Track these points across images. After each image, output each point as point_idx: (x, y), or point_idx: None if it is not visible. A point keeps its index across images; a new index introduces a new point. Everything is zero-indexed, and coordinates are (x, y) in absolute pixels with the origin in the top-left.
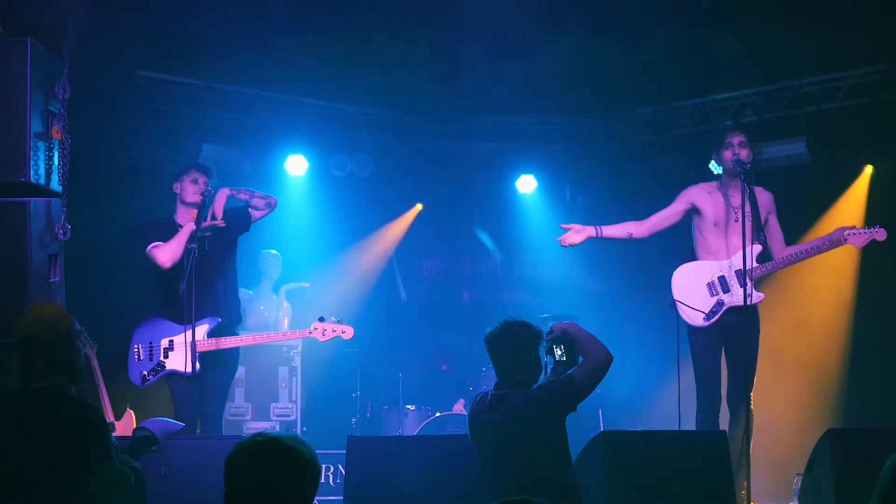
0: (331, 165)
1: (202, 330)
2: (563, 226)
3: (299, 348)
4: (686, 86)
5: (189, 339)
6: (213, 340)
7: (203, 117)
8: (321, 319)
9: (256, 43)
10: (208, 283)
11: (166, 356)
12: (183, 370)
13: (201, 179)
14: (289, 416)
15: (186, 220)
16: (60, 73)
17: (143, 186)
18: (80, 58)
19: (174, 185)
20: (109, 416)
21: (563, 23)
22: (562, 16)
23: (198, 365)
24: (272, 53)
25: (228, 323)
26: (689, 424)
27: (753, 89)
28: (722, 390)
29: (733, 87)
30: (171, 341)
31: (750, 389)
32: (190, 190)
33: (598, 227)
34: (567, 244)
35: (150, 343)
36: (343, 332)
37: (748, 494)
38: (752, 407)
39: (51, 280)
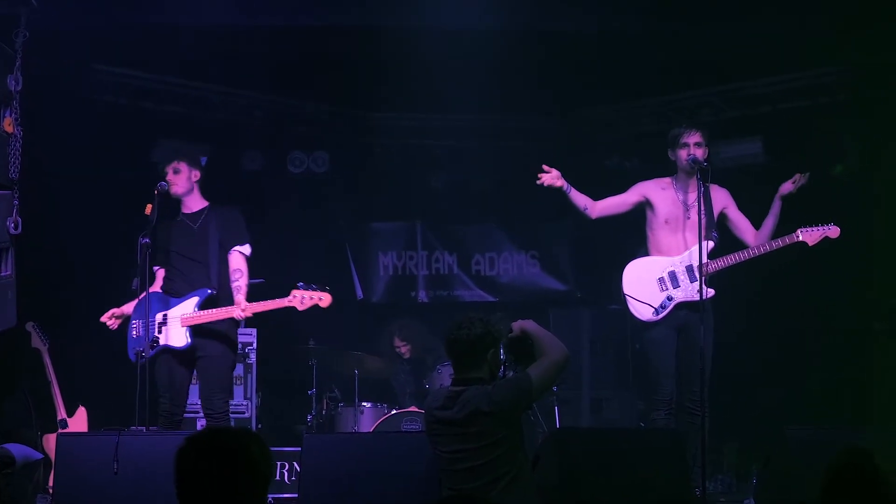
0: (287, 162)
1: (193, 302)
2: (546, 167)
3: (254, 345)
4: (643, 85)
5: (182, 316)
6: (202, 313)
7: (158, 111)
8: (299, 286)
9: (213, 36)
10: (201, 253)
11: (160, 331)
12: (174, 345)
13: (181, 165)
14: (244, 413)
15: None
16: (13, 65)
17: (97, 180)
18: (34, 50)
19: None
20: (61, 413)
21: (519, 20)
22: (517, 12)
23: (188, 339)
24: (227, 47)
25: (223, 295)
26: (646, 422)
27: (710, 89)
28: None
29: (690, 87)
30: (164, 315)
31: (705, 387)
32: (175, 181)
33: (569, 186)
34: (544, 183)
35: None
36: (320, 300)
37: (703, 493)
38: (707, 405)
39: (1, 274)
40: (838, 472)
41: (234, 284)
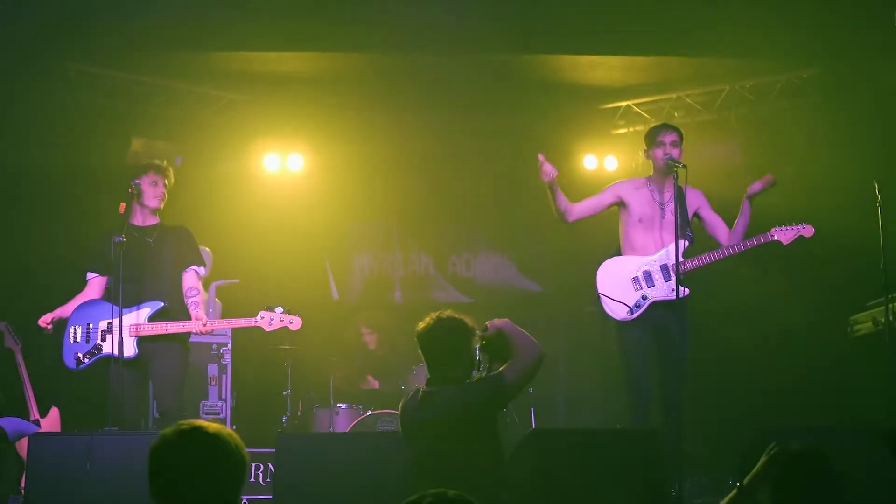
0: (263, 162)
1: (144, 314)
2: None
3: (229, 346)
4: (618, 87)
5: (130, 325)
6: (154, 325)
7: (132, 111)
8: (268, 308)
9: (186, 35)
10: (155, 267)
11: (104, 339)
12: (119, 354)
13: (161, 181)
14: (219, 413)
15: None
16: None
17: (71, 180)
18: (6, 48)
19: (131, 187)
20: (34, 413)
21: (493, 21)
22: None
23: (135, 349)
24: (202, 47)
25: (174, 309)
26: (622, 423)
27: (686, 91)
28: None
29: (666, 90)
30: (109, 324)
31: (682, 386)
32: (149, 192)
33: (557, 186)
34: (541, 163)
35: (88, 324)
36: (290, 323)
37: (679, 493)
38: (683, 405)
39: None
40: (787, 472)
41: (191, 300)
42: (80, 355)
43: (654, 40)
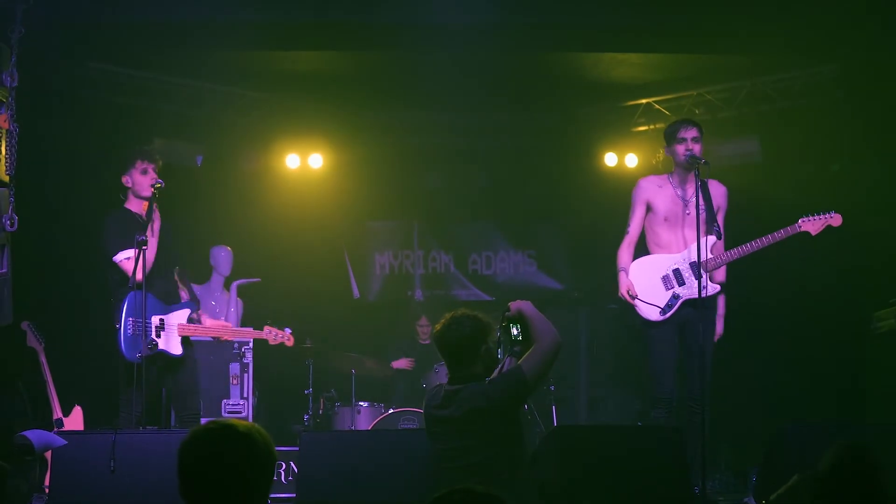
0: (283, 161)
1: (184, 314)
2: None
3: (251, 344)
4: (638, 85)
5: (178, 324)
6: (195, 327)
7: (153, 110)
8: (270, 323)
9: (207, 34)
10: (169, 270)
11: (158, 335)
12: (171, 352)
13: (150, 168)
14: (240, 412)
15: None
16: (8, 61)
17: (93, 179)
18: (29, 46)
19: (123, 179)
20: (57, 412)
21: (512, 17)
22: (509, 9)
23: (181, 348)
24: (223, 45)
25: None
26: (643, 420)
27: (706, 88)
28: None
29: (687, 87)
30: (161, 320)
31: (707, 384)
32: (141, 182)
33: (625, 274)
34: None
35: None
36: (287, 339)
37: (703, 490)
38: (708, 403)
39: None
40: (836, 468)
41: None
42: (140, 353)
43: (675, 37)
